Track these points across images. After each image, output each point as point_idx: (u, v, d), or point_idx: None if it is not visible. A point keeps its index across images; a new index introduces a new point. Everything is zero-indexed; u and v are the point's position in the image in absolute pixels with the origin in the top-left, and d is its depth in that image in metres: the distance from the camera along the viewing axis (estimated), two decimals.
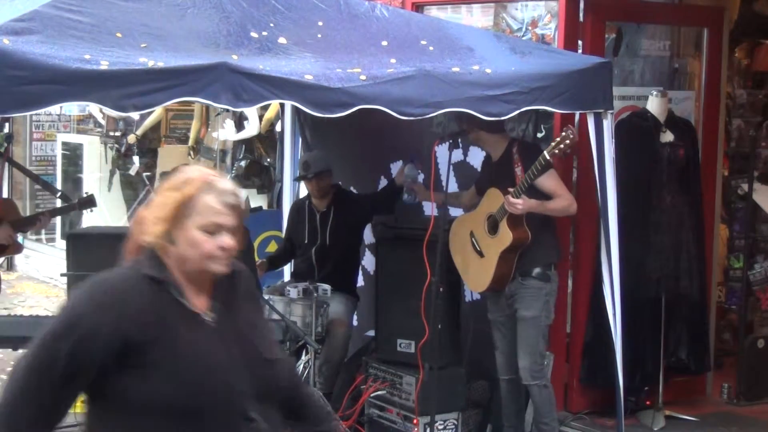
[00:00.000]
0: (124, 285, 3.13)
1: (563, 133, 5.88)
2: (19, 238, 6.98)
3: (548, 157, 5.89)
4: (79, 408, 7.64)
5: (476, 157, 7.05)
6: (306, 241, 7.43)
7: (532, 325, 6.17)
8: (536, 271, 6.15)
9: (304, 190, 7.79)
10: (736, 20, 8.27)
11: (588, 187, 6.57)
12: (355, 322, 7.79)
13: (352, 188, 7.82)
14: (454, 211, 6.93)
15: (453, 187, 7.00)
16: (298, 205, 7.69)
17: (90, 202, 7.15)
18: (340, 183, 7.63)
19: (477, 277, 6.27)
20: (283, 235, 8.06)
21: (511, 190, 5.97)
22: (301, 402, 3.44)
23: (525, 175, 5.95)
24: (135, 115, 11.05)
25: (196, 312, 3.14)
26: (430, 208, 6.71)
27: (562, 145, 5.85)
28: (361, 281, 7.78)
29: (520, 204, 5.94)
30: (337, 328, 7.09)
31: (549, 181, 6.01)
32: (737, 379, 7.63)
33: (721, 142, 7.80)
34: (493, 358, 6.50)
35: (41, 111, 8.11)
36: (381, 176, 7.72)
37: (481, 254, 6.19)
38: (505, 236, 6.04)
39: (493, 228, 6.11)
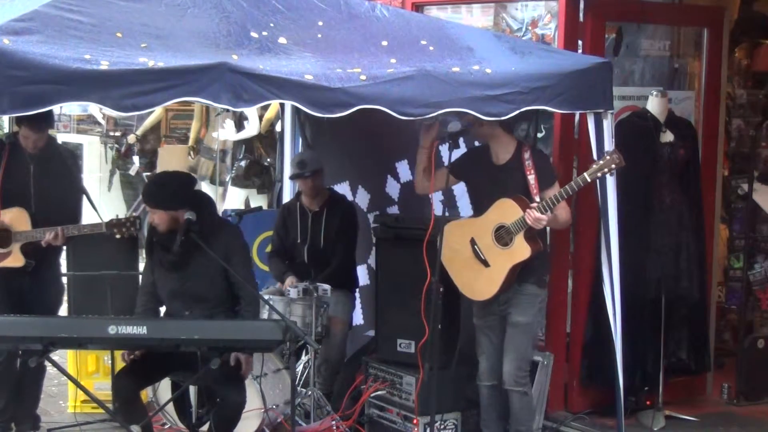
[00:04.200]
0: None
1: (608, 157, 5.74)
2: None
3: (588, 180, 5.78)
4: (78, 408, 7.60)
5: None
6: (298, 240, 7.41)
7: (524, 330, 6.13)
8: (534, 278, 6.11)
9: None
10: (736, 20, 8.29)
11: (588, 187, 6.56)
12: (361, 320, 7.80)
13: (360, 187, 7.82)
14: (464, 209, 6.94)
15: (458, 185, 6.99)
16: (288, 207, 7.62)
17: (126, 224, 6.44)
18: (333, 188, 7.63)
19: (480, 286, 6.14)
20: None
21: (534, 205, 5.84)
22: None
23: (555, 195, 5.81)
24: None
25: None
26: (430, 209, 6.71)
27: (606, 169, 5.74)
28: (366, 280, 7.77)
29: (545, 220, 5.85)
30: (335, 326, 7.09)
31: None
32: (737, 379, 7.63)
33: (721, 142, 7.81)
34: None
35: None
36: (387, 175, 7.71)
37: (485, 263, 6.08)
38: (522, 250, 5.92)
39: (502, 239, 5.98)
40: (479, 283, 6.14)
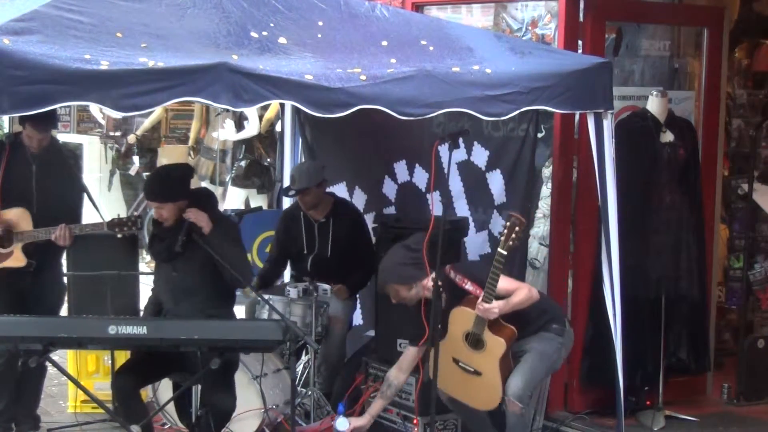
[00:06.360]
0: None
1: (508, 224, 5.67)
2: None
3: (504, 252, 5.68)
4: (78, 408, 7.59)
5: (480, 156, 7.04)
6: (305, 251, 7.32)
7: (540, 357, 5.99)
8: (550, 332, 6.01)
9: None
10: (736, 20, 8.28)
11: (588, 187, 6.58)
12: (361, 320, 7.80)
13: (357, 188, 7.80)
14: (460, 209, 6.92)
15: (455, 186, 6.99)
16: (291, 213, 7.49)
17: (128, 223, 6.36)
18: (335, 193, 7.59)
19: (486, 395, 6.01)
20: None
21: (479, 300, 5.78)
22: None
23: (488, 281, 5.73)
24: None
25: None
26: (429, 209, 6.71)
27: (513, 235, 5.66)
28: None
29: (496, 308, 5.78)
30: (335, 326, 7.08)
31: (502, 282, 5.80)
32: (737, 379, 7.63)
33: (721, 142, 7.81)
34: None
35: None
36: (385, 176, 7.69)
37: (477, 373, 5.97)
38: (497, 344, 5.86)
39: (475, 343, 5.91)
40: (483, 393, 6.01)
